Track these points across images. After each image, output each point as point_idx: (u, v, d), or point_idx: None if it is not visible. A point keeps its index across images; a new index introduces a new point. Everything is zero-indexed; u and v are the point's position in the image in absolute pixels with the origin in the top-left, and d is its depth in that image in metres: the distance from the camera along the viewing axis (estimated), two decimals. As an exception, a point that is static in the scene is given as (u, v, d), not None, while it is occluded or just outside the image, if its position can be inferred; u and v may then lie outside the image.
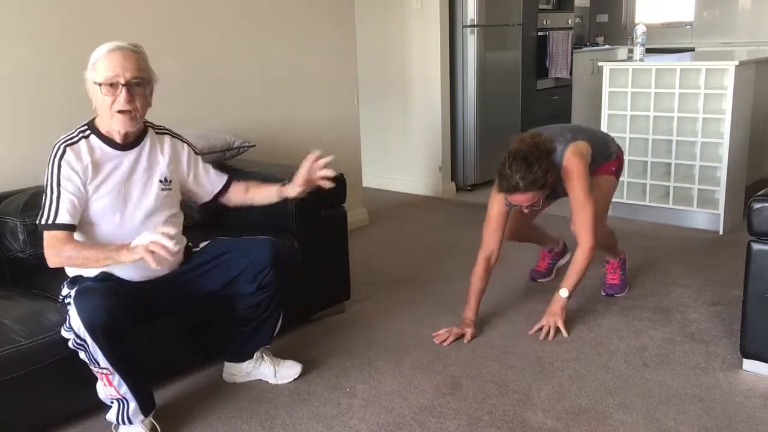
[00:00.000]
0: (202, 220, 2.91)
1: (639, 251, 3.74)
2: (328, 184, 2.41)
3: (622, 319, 3.00)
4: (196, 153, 2.48)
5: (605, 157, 3.04)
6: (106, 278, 2.19)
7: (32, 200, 2.53)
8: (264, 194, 2.52)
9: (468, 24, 5.09)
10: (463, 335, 2.85)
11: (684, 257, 3.73)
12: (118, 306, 2.02)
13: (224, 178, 2.52)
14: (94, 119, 2.23)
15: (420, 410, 2.36)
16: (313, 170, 2.38)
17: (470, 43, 5.12)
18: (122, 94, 2.11)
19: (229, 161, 3.15)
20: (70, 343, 2.07)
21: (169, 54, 3.29)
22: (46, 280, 2.42)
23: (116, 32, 3.00)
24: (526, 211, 2.84)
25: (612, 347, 2.76)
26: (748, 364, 2.53)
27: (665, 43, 6.81)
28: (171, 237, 1.98)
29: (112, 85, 2.11)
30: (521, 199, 2.70)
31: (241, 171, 3.00)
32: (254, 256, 2.37)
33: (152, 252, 1.96)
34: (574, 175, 2.78)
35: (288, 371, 2.57)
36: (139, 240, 2.01)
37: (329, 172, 2.38)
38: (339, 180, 2.97)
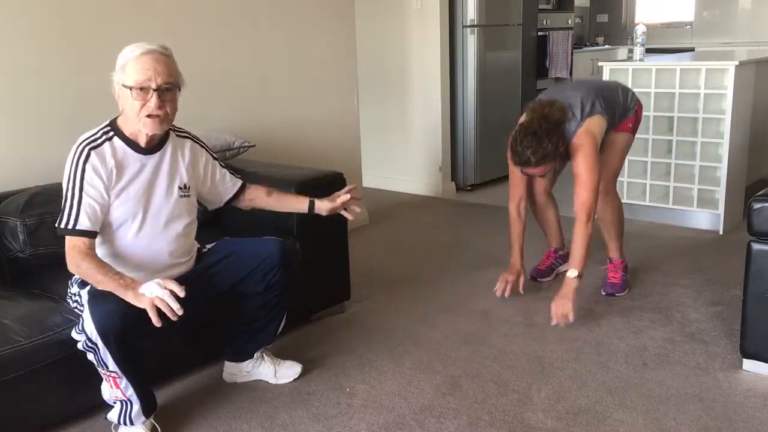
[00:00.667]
0: (202, 220, 2.91)
1: (639, 251, 3.74)
2: (350, 216, 2.60)
3: (622, 319, 3.00)
4: (214, 158, 2.44)
5: (623, 114, 3.09)
6: None
7: (32, 200, 2.53)
8: (293, 204, 2.57)
9: (468, 24, 5.09)
10: (516, 280, 3.14)
11: (684, 257, 3.73)
12: (131, 311, 2.01)
13: (238, 184, 2.50)
14: (116, 119, 2.19)
15: (420, 410, 2.36)
16: (348, 198, 2.54)
17: (470, 43, 5.12)
18: (153, 99, 2.08)
19: (229, 161, 3.14)
20: (79, 345, 2.06)
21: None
22: (46, 280, 2.43)
23: (116, 32, 3.01)
24: (541, 177, 3.00)
25: (612, 347, 2.76)
26: (748, 364, 2.53)
27: (665, 43, 6.82)
28: (178, 297, 1.98)
29: (143, 89, 2.07)
30: (534, 171, 2.83)
31: (241, 171, 2.99)
32: (263, 256, 2.37)
33: (156, 308, 1.96)
34: (580, 153, 2.84)
35: (288, 371, 2.57)
36: (147, 288, 1.98)
37: (356, 208, 2.59)
38: (339, 180, 2.99)
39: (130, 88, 2.07)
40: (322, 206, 2.52)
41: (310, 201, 2.53)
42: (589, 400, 2.39)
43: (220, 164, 2.46)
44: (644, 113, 4.21)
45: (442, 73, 5.06)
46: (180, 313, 1.97)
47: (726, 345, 2.73)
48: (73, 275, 2.17)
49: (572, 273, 2.88)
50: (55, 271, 2.30)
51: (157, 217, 2.23)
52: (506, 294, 3.11)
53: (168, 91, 2.11)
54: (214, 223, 2.92)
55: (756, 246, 2.39)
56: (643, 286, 3.35)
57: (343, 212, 2.56)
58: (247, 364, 2.56)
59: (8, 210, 2.53)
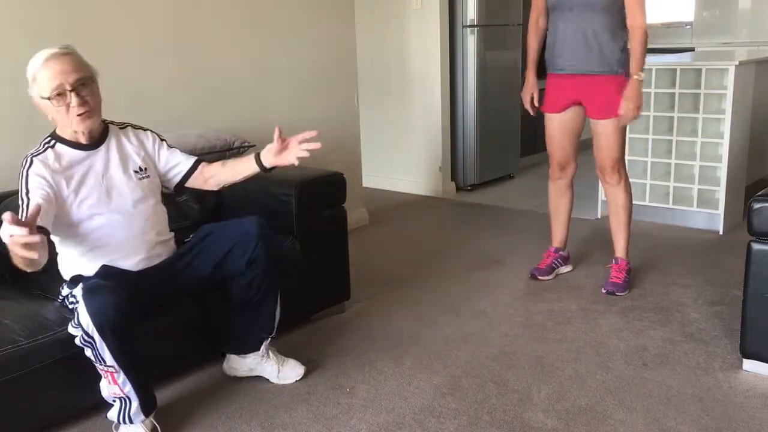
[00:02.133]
0: (201, 219, 2.91)
1: (639, 251, 3.74)
2: (294, 162, 2.39)
3: (622, 319, 3.00)
4: (161, 139, 2.49)
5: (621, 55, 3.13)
6: (106, 272, 2.20)
7: (32, 200, 2.53)
8: (244, 168, 2.46)
9: (468, 24, 5.09)
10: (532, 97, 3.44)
11: (684, 257, 3.73)
12: (126, 303, 2.03)
13: (192, 159, 2.51)
14: (54, 130, 2.26)
15: (420, 410, 2.36)
16: (288, 144, 2.40)
17: (470, 43, 5.12)
18: (73, 99, 2.13)
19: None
20: (77, 340, 2.07)
21: (169, 54, 3.29)
22: (46, 280, 2.42)
23: (116, 33, 3.02)
24: None
25: (612, 347, 2.76)
26: (748, 364, 2.53)
27: (665, 43, 6.81)
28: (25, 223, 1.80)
29: (60, 95, 2.12)
30: None
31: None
32: (241, 232, 2.40)
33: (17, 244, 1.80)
34: None
35: (291, 372, 2.55)
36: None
37: (309, 145, 2.38)
38: (339, 180, 2.99)
39: (50, 98, 2.12)
40: (268, 155, 2.41)
41: (255, 155, 2.44)
42: (589, 400, 2.39)
43: (167, 144, 2.50)
44: (644, 113, 4.23)
45: (442, 73, 5.06)
46: (36, 240, 1.77)
47: (726, 345, 2.73)
48: (64, 280, 2.22)
49: (637, 76, 3.03)
50: (55, 271, 2.30)
51: (122, 202, 2.29)
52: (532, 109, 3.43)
53: (84, 86, 2.16)
54: (214, 222, 2.92)
55: (756, 246, 2.39)
56: (643, 286, 3.35)
57: (294, 160, 2.38)
58: (252, 359, 2.54)
59: (8, 210, 2.52)
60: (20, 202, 2.14)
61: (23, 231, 1.76)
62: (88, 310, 2.00)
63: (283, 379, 2.55)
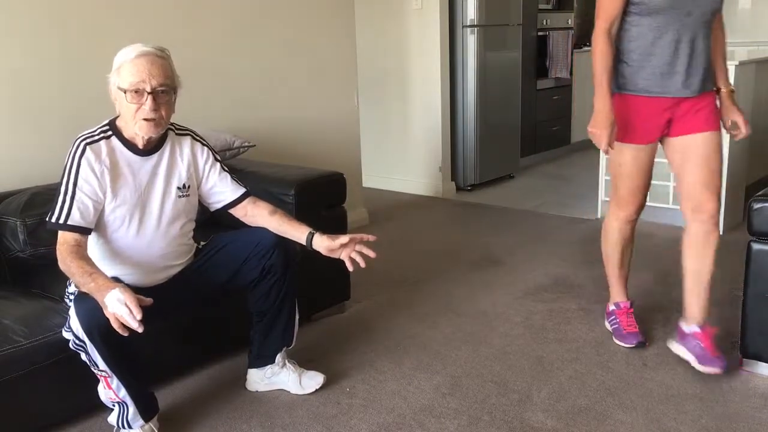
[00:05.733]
0: (202, 220, 2.91)
1: (639, 251, 3.72)
2: (350, 267, 2.33)
3: (622, 319, 2.99)
4: (215, 159, 2.39)
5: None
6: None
7: (32, 200, 2.53)
8: (293, 231, 2.37)
9: (468, 24, 5.09)
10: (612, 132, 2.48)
11: (684, 257, 3.72)
12: None
13: (240, 191, 2.40)
14: (115, 119, 2.18)
15: (420, 410, 2.36)
16: (351, 247, 2.32)
17: (470, 43, 5.12)
18: (148, 102, 2.06)
19: (229, 161, 3.14)
20: (70, 344, 2.06)
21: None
22: (46, 280, 2.43)
23: (116, 32, 3.02)
24: None
25: (612, 347, 2.76)
26: (748, 364, 2.53)
27: (665, 43, 6.80)
28: (136, 317, 1.86)
29: (137, 92, 2.06)
30: None
31: (241, 171, 3.00)
32: (256, 241, 2.35)
33: (116, 319, 1.88)
34: None
35: (311, 381, 2.49)
36: (109, 300, 1.88)
37: (369, 253, 2.33)
38: (339, 180, 2.99)
39: (125, 91, 2.07)
40: (321, 243, 2.32)
41: (309, 233, 2.34)
42: (589, 400, 2.39)
43: (222, 167, 2.40)
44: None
45: (442, 73, 5.06)
46: (140, 331, 1.87)
47: (726, 345, 2.72)
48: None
49: (729, 86, 2.58)
50: (55, 271, 2.30)
51: (153, 218, 2.22)
52: (610, 147, 2.49)
53: (163, 93, 2.10)
54: (214, 223, 2.92)
55: (756, 246, 2.39)
56: (644, 286, 3.35)
57: (345, 260, 2.32)
58: (267, 370, 2.49)
59: (8, 210, 2.53)
60: (63, 188, 2.07)
61: (130, 316, 1.86)
62: (77, 314, 1.98)
63: (304, 388, 2.47)
